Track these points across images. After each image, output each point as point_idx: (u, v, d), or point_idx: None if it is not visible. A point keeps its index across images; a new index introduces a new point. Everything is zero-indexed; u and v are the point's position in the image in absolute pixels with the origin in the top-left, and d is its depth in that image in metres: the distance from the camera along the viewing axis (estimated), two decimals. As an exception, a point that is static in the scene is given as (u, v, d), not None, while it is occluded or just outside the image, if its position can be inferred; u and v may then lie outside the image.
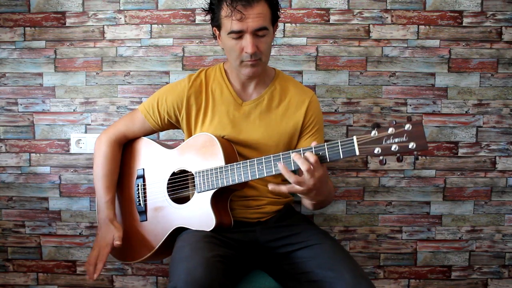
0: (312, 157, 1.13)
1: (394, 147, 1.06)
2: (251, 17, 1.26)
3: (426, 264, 1.92)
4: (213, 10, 1.33)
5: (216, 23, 1.34)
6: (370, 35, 1.82)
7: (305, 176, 1.13)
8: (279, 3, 1.36)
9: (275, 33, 1.41)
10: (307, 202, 1.34)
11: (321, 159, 1.14)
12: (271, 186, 1.16)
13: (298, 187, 1.15)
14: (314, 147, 1.15)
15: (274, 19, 1.35)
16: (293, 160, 1.16)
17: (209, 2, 1.35)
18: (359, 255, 1.91)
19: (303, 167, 1.12)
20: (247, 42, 1.28)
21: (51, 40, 1.84)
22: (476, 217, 1.90)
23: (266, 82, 1.45)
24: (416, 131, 1.04)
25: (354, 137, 1.10)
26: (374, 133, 1.08)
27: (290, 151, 1.18)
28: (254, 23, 1.26)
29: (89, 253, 1.46)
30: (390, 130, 1.06)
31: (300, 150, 1.16)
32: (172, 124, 1.49)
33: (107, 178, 1.46)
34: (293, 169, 1.17)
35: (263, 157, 1.23)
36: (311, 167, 1.12)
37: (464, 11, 1.81)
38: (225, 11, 1.28)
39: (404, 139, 1.05)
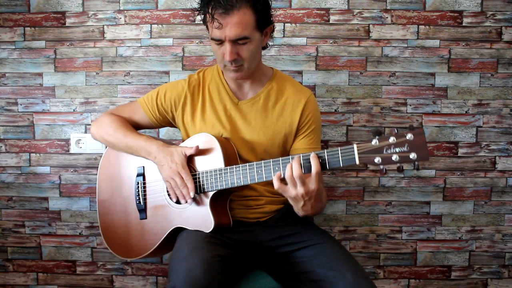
0: (296, 170, 1.14)
1: (394, 157, 1.05)
2: (229, 26, 1.24)
3: (426, 264, 1.92)
4: (200, 13, 1.33)
5: (205, 24, 1.34)
6: (370, 35, 1.82)
7: (288, 186, 1.16)
8: (270, 5, 1.32)
9: (272, 34, 1.38)
10: (295, 209, 1.29)
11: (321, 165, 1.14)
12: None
13: (286, 193, 1.18)
14: (314, 154, 1.15)
15: (263, 23, 1.30)
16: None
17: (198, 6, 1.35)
18: (359, 255, 1.91)
19: (286, 174, 1.15)
20: (226, 49, 1.27)
21: (51, 40, 1.84)
22: (476, 217, 1.90)
23: (262, 82, 1.45)
24: (417, 141, 1.03)
25: (355, 145, 1.10)
26: (375, 141, 1.07)
27: (290, 156, 1.18)
28: (232, 32, 1.24)
29: (174, 182, 1.32)
30: (391, 139, 1.05)
31: (300, 156, 1.16)
32: (169, 121, 1.49)
33: (122, 129, 1.43)
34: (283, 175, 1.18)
35: (262, 161, 1.23)
36: (292, 177, 1.14)
37: (464, 11, 1.81)
38: (207, 17, 1.28)
39: (405, 149, 1.04)
